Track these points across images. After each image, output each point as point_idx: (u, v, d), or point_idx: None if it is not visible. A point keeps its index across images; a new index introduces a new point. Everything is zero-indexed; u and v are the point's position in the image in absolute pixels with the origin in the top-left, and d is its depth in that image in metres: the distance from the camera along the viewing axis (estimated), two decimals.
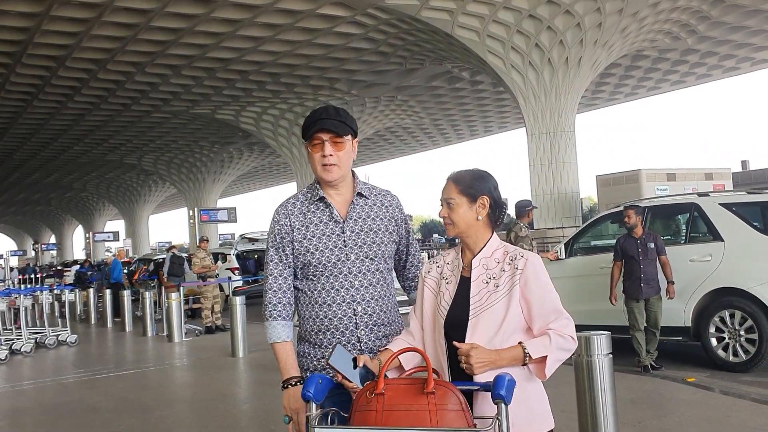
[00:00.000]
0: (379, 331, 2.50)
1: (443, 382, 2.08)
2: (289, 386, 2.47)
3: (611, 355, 4.31)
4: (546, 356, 2.14)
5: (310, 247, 2.49)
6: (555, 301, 2.25)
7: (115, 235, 53.30)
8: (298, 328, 2.61)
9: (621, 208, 8.16)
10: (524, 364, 2.15)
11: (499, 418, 1.96)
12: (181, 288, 13.22)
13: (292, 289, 2.58)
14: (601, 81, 32.01)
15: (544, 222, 24.06)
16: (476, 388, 2.14)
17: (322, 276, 2.49)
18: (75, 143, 38.62)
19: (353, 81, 29.17)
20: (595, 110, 40.88)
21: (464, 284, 2.31)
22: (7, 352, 10.96)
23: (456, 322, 2.27)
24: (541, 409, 2.27)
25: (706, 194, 7.95)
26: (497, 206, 2.35)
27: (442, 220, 2.38)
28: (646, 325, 7.16)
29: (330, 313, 2.48)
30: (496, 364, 2.11)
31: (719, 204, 7.28)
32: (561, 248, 8.44)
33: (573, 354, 4.39)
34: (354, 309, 2.47)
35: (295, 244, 2.52)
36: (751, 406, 5.60)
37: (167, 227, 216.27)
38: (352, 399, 2.15)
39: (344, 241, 2.49)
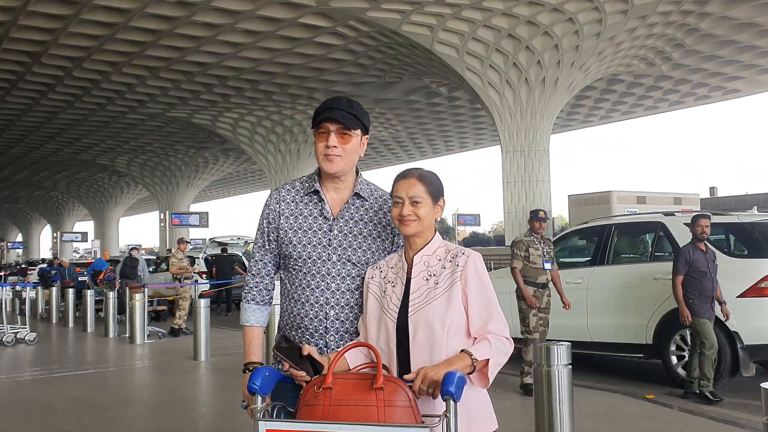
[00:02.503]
0: (350, 340, 2.37)
1: (392, 378, 2.04)
2: (248, 371, 2.39)
3: (570, 366, 4.32)
4: (488, 360, 2.11)
5: (294, 238, 2.41)
6: (493, 301, 2.23)
7: (84, 236, 52.49)
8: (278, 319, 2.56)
9: (587, 225, 8.24)
10: (471, 372, 2.09)
11: (448, 415, 1.93)
12: (146, 289, 13.05)
13: (272, 275, 2.52)
14: (576, 103, 32.43)
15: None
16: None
17: (301, 271, 2.40)
18: (47, 141, 38.08)
19: (332, 92, 29.20)
20: (569, 131, 41.40)
21: (410, 284, 2.28)
22: None
23: (402, 324, 2.23)
24: (481, 409, 2.22)
25: (671, 214, 8.05)
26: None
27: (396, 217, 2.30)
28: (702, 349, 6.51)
29: (302, 311, 2.39)
30: (441, 375, 2.04)
31: (684, 224, 7.37)
32: None
33: (532, 364, 4.41)
34: (326, 312, 2.37)
35: (280, 232, 2.44)
36: (708, 424, 5.65)
37: (138, 230, 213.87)
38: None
39: (329, 239, 2.39)
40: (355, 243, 2.41)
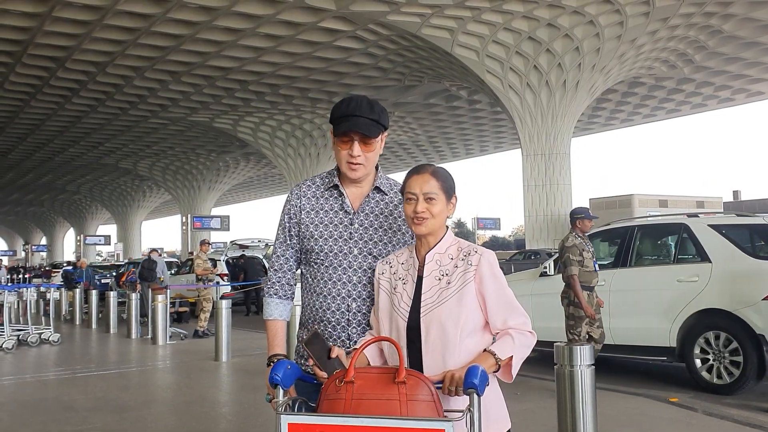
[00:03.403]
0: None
1: (415, 373, 2.01)
2: (272, 363, 2.40)
3: (593, 367, 4.29)
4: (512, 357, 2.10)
5: (315, 233, 2.43)
6: (510, 296, 2.20)
7: (107, 239, 53.06)
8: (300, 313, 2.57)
9: (610, 227, 8.18)
10: (496, 371, 2.08)
11: (471, 409, 1.91)
12: (168, 291, 13.16)
13: (294, 270, 2.53)
14: (597, 106, 32.23)
15: (536, 242, 24.10)
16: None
17: (322, 265, 2.43)
18: (71, 145, 38.57)
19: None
20: (590, 134, 41.14)
21: (421, 283, 2.25)
22: None
23: (413, 323, 2.20)
24: (496, 410, 2.19)
25: (695, 215, 7.96)
26: None
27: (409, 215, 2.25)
28: None
29: (324, 304, 2.42)
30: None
31: (708, 225, 7.28)
32: (550, 264, 8.42)
33: (554, 364, 4.38)
34: (348, 305, 2.40)
35: (301, 226, 2.46)
36: (733, 428, 5.57)
37: (160, 233, 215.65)
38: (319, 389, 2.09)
39: (350, 233, 2.42)
40: (375, 236, 2.43)
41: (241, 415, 6.46)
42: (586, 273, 6.76)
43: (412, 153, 45.09)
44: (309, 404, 2.14)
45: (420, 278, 2.24)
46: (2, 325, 12.02)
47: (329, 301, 2.41)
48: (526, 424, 5.53)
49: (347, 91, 28.66)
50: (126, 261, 27.67)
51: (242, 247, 19.95)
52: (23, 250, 68.91)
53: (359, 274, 2.40)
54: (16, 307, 13.34)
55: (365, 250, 2.41)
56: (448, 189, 2.26)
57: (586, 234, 6.97)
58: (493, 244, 74.76)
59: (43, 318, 14.84)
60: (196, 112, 31.44)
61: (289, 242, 2.50)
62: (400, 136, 37.82)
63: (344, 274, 2.40)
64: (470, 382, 1.92)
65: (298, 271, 2.59)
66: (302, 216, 2.46)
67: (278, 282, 2.51)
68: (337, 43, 22.91)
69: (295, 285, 2.56)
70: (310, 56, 24.08)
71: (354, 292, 2.40)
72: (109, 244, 52.37)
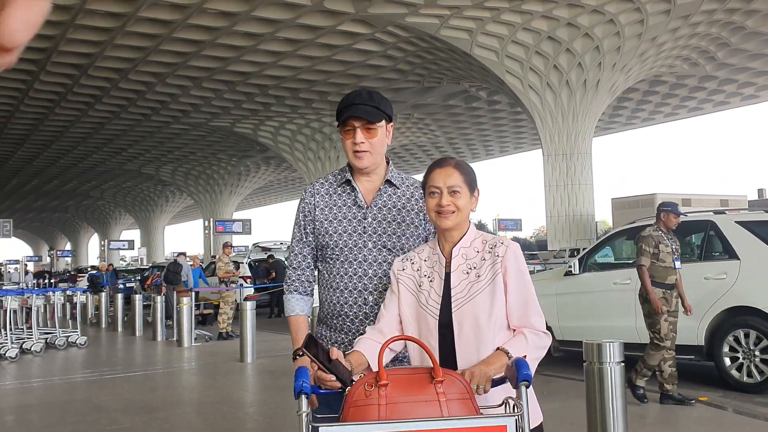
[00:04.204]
0: None
1: (447, 371, 1.95)
2: (297, 356, 2.43)
3: (623, 364, 4.26)
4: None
5: (330, 228, 2.46)
6: (531, 292, 2.17)
7: (130, 244, 53.59)
8: (318, 310, 2.59)
9: (634, 225, 8.11)
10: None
11: (522, 402, 1.85)
12: (193, 293, 13.28)
13: (312, 267, 2.57)
14: (618, 105, 31.99)
15: (558, 243, 23.96)
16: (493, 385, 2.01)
17: (338, 260, 2.46)
18: (94, 152, 39.03)
19: None
20: (612, 134, 40.85)
21: (449, 279, 2.21)
22: (18, 350, 11.01)
23: (444, 320, 2.17)
24: (533, 402, 2.13)
25: (722, 212, 7.87)
26: None
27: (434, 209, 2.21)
28: None
29: (342, 298, 2.44)
30: (491, 374, 1.98)
31: (735, 222, 7.20)
32: (575, 263, 8.37)
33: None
34: (365, 298, 2.42)
35: (316, 223, 2.50)
36: (764, 426, 5.50)
37: (182, 238, 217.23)
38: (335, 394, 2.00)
39: (364, 227, 2.44)
40: (389, 229, 2.45)
41: (267, 416, 6.50)
42: (660, 268, 6.38)
43: (431, 155, 45.03)
44: (315, 415, 2.01)
45: (447, 274, 2.21)
46: (31, 328, 12.20)
47: (346, 295, 2.43)
48: (555, 423, 5.50)
49: None
50: (150, 265, 27.98)
51: (265, 249, 20.08)
52: (48, 256, 69.79)
53: (374, 268, 2.43)
54: (43, 310, 13.52)
55: (379, 243, 2.43)
56: (471, 182, 2.24)
57: (671, 229, 6.53)
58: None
59: (69, 321, 15.05)
60: (216, 117, 31.68)
61: (305, 240, 2.53)
62: (419, 137, 37.79)
63: (359, 267, 2.43)
64: (525, 374, 1.87)
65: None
66: (316, 213, 2.50)
67: (297, 279, 2.54)
68: (355, 46, 22.98)
69: (314, 282, 2.59)
70: (329, 60, 24.17)
71: (370, 285, 2.42)
72: (133, 249, 52.90)
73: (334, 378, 1.98)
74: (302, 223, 2.53)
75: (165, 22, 20.49)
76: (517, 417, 1.80)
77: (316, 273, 2.61)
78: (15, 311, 12.03)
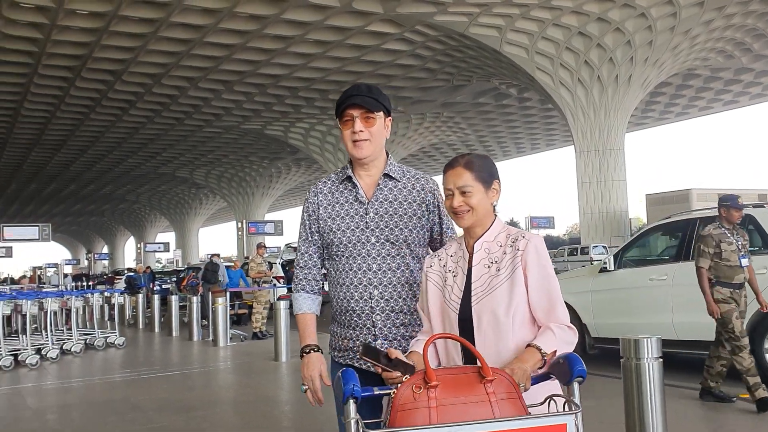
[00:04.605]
0: (396, 318, 2.43)
1: (495, 369, 1.88)
2: (304, 354, 2.46)
3: (661, 360, 4.20)
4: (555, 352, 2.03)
5: (333, 226, 2.49)
6: (554, 286, 2.14)
7: (166, 246, 54.35)
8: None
9: (671, 220, 8.01)
10: (541, 367, 2.00)
11: (573, 399, 1.85)
12: (227, 293, 13.42)
13: (319, 266, 2.60)
14: (651, 100, 31.54)
15: (592, 240, 23.70)
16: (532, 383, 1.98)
17: (343, 256, 2.48)
18: (129, 156, 39.67)
19: (399, 98, 29.35)
20: (645, 129, 40.28)
21: (471, 274, 2.21)
22: (58, 351, 11.25)
23: (465, 315, 2.16)
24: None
25: (761, 206, 7.72)
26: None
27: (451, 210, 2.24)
28: None
29: (348, 294, 2.46)
30: (530, 372, 1.95)
31: None
32: (610, 260, 8.28)
33: (620, 357, 4.30)
34: (370, 292, 2.43)
35: (320, 222, 2.53)
36: None
37: (216, 240, 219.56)
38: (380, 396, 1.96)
39: (366, 222, 2.46)
40: (391, 223, 2.46)
41: (302, 414, 6.54)
42: (725, 268, 6.08)
43: (461, 153, 44.93)
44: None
45: (470, 268, 2.21)
46: (70, 330, 12.45)
47: (352, 290, 2.45)
48: (592, 421, 5.44)
49: (395, 94, 28.73)
50: (186, 266, 28.41)
51: (297, 249, 20.23)
52: (86, 259, 71.07)
53: (378, 261, 2.44)
54: (82, 312, 13.79)
55: (382, 237, 2.45)
56: (485, 177, 2.21)
57: (736, 224, 6.23)
58: (548, 243, 73.79)
59: (108, 322, 15.32)
60: (248, 120, 31.97)
61: (311, 239, 2.57)
62: (449, 136, 37.69)
63: (364, 262, 2.45)
64: (580, 370, 1.85)
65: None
66: (320, 212, 2.53)
67: (305, 278, 2.57)
68: (384, 46, 23.01)
69: (321, 280, 2.62)
70: (359, 60, 24.24)
71: (375, 279, 2.43)
72: (168, 251, 53.61)
73: (400, 374, 1.96)
74: (307, 222, 2.57)
75: (196, 27, 20.74)
76: (574, 415, 1.77)
77: (323, 271, 2.64)
78: (55, 313, 12.28)
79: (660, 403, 4.11)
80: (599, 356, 8.40)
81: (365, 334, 2.43)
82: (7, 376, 9.67)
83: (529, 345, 2.02)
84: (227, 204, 49.06)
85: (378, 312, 2.43)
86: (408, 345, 2.39)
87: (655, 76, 23.97)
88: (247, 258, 23.55)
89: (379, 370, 1.99)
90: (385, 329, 2.43)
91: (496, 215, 2.27)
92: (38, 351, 10.92)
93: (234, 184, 45.29)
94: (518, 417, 1.77)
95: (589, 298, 8.34)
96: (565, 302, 7.45)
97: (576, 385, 1.85)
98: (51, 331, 11.61)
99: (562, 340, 2.05)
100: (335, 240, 2.49)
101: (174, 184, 49.92)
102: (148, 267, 24.64)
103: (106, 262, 70.02)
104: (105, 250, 79.62)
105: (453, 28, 21.51)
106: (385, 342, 2.41)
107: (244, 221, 39.83)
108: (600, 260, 9.91)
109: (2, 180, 45.33)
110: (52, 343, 11.33)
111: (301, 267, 2.59)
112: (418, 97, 29.23)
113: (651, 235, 8.81)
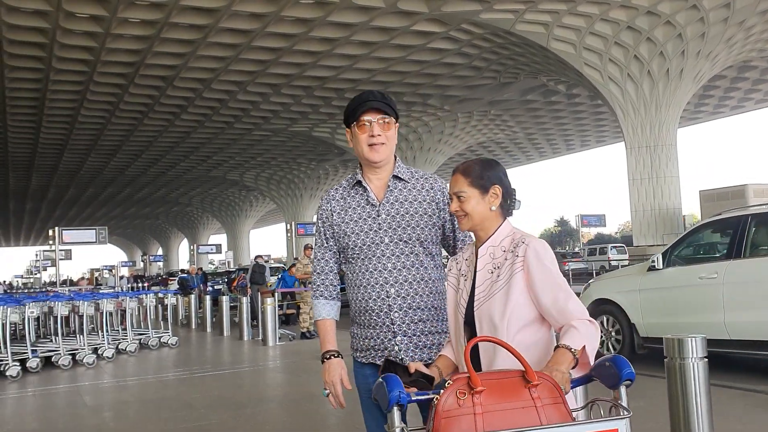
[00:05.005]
0: (414, 315, 2.48)
1: (539, 373, 1.84)
2: (324, 359, 2.55)
3: (706, 360, 4.13)
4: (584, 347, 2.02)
5: (347, 230, 2.57)
6: (563, 283, 2.13)
7: (218, 248, 55.38)
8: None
9: (721, 217, 7.84)
10: (574, 367, 1.98)
11: (621, 403, 1.82)
12: (276, 294, 13.63)
13: (336, 271, 2.67)
14: (704, 94, 30.72)
15: (644, 239, 23.23)
16: (573, 386, 1.96)
17: (359, 258, 2.54)
18: (181, 160, 40.52)
19: (446, 96, 29.26)
20: (698, 123, 39.23)
21: (476, 278, 2.24)
22: (114, 351, 11.61)
23: (469, 319, 2.20)
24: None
25: None
26: (508, 194, 2.27)
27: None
28: None
29: (365, 294, 2.52)
30: (567, 374, 1.92)
31: None
32: (658, 258, 8.14)
33: (664, 357, 4.24)
34: (387, 291, 2.49)
35: (335, 228, 2.61)
36: None
37: (267, 241, 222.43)
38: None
39: (379, 224, 2.53)
40: (403, 222, 2.52)
41: (349, 412, 6.60)
42: None
43: (510, 151, 44.51)
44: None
45: (475, 273, 2.25)
46: (125, 330, 12.83)
47: (369, 290, 2.51)
48: (640, 422, 5.36)
49: (441, 93, 28.66)
50: (237, 267, 28.93)
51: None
52: (141, 261, 72.93)
53: (393, 261, 2.50)
54: (137, 313, 14.17)
55: (395, 237, 2.51)
56: (481, 182, 2.24)
57: None
58: (599, 241, 72.49)
59: (161, 323, 15.71)
60: (296, 123, 32.32)
61: (326, 245, 2.64)
62: (497, 134, 37.40)
63: (379, 262, 2.51)
64: (629, 373, 1.83)
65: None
66: (334, 218, 2.61)
67: (322, 284, 2.65)
68: (430, 45, 22.98)
69: (339, 285, 2.68)
70: (404, 60, 24.27)
71: (391, 278, 2.49)
72: (220, 253, 54.59)
73: (416, 390, 2.00)
74: (322, 229, 2.65)
75: (244, 31, 21.08)
76: (627, 419, 1.74)
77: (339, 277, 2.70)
78: (111, 314, 12.67)
79: (706, 403, 4.04)
80: (649, 356, 8.27)
81: (385, 332, 2.49)
82: (65, 375, 10.03)
83: (557, 346, 2.00)
84: (277, 206, 49.67)
85: (396, 309, 2.48)
86: (427, 340, 2.47)
87: (708, 69, 23.35)
88: (296, 259, 23.86)
89: (413, 392, 1.98)
90: (404, 326, 2.48)
91: (505, 219, 2.28)
92: (95, 350, 11.29)
93: (283, 186, 45.84)
94: (569, 423, 1.72)
95: (638, 297, 8.21)
96: (614, 301, 7.42)
97: (623, 389, 1.82)
98: (107, 331, 11.99)
99: (588, 335, 2.03)
100: (350, 243, 2.56)
101: (225, 186, 50.78)
102: (200, 268, 25.16)
103: (160, 264, 71.71)
104: (159, 252, 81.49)
105: (499, 26, 21.36)
106: (404, 338, 2.47)
107: (293, 223, 40.31)
108: (616, 260, 9.67)
109: (61, 185, 46.86)
110: (108, 343, 11.69)
111: (318, 273, 2.66)
112: (464, 95, 29.10)
113: (701, 232, 8.62)
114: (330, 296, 2.65)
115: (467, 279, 2.28)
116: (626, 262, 24.88)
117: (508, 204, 2.28)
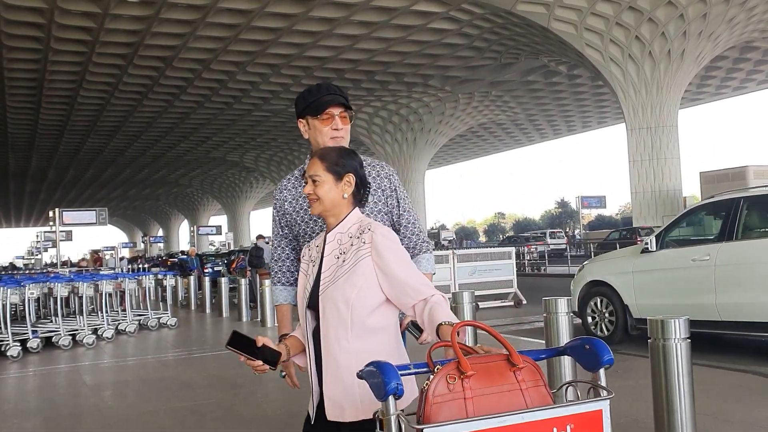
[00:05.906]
0: None
1: (523, 356, 1.83)
2: (281, 341, 2.62)
3: (689, 340, 4.20)
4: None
5: (297, 218, 2.69)
6: (409, 267, 2.21)
7: (218, 229, 55.50)
8: None
9: (714, 199, 7.88)
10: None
11: (601, 384, 1.83)
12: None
13: (292, 258, 2.77)
14: (706, 75, 30.59)
15: (644, 220, 23.27)
16: (543, 357, 1.96)
17: None
18: (181, 141, 40.49)
19: (447, 77, 29.16)
20: (699, 104, 39.09)
21: (322, 264, 2.29)
22: (114, 331, 11.72)
23: (312, 303, 2.25)
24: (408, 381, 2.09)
25: None
26: (363, 184, 2.34)
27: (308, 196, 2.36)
28: None
29: None
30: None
31: None
32: (651, 240, 8.20)
33: (648, 338, 4.31)
34: None
35: (287, 216, 2.73)
36: None
37: (267, 223, 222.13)
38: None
39: None
40: None
41: None
42: None
43: (511, 132, 44.41)
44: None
45: (322, 258, 2.29)
46: (125, 311, 12.94)
47: None
48: (628, 401, 5.47)
49: (442, 74, 28.55)
50: (238, 248, 29.04)
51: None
52: (142, 242, 73.11)
53: None
54: (136, 294, 14.28)
55: None
56: (336, 169, 2.29)
57: None
58: (599, 223, 72.52)
59: (161, 304, 15.82)
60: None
61: (281, 233, 2.76)
62: (498, 115, 37.30)
63: None
64: (609, 359, 1.83)
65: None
66: (286, 207, 2.72)
67: (279, 271, 2.77)
68: (430, 26, 22.88)
69: (296, 271, 2.76)
70: (405, 40, 24.17)
71: None
72: (221, 234, 54.73)
73: (261, 363, 2.17)
74: (277, 218, 2.77)
75: (243, 11, 21.00)
76: (608, 401, 1.75)
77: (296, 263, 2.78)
78: (110, 295, 12.77)
79: (688, 382, 4.12)
80: (641, 337, 8.35)
81: None
82: (65, 355, 10.15)
83: (443, 324, 2.03)
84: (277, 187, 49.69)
85: None
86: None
87: (710, 50, 23.24)
88: None
89: (242, 359, 2.16)
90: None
91: (354, 207, 2.34)
92: (94, 331, 11.40)
93: (283, 167, 45.83)
94: (556, 405, 1.72)
95: (631, 278, 8.28)
96: (608, 283, 7.51)
97: (602, 371, 1.85)
98: (107, 312, 12.09)
99: (449, 309, 2.13)
100: (301, 231, 2.69)
101: (225, 168, 50.77)
102: (192, 249, 25.24)
103: (161, 245, 71.88)
104: (160, 233, 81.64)
105: (499, 6, 21.25)
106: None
107: None
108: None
109: (61, 166, 46.87)
110: (108, 324, 11.79)
111: (275, 260, 2.79)
112: (465, 76, 29.00)
113: (695, 214, 8.67)
114: (287, 282, 2.76)
115: (315, 265, 2.32)
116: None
117: (361, 194, 2.34)
